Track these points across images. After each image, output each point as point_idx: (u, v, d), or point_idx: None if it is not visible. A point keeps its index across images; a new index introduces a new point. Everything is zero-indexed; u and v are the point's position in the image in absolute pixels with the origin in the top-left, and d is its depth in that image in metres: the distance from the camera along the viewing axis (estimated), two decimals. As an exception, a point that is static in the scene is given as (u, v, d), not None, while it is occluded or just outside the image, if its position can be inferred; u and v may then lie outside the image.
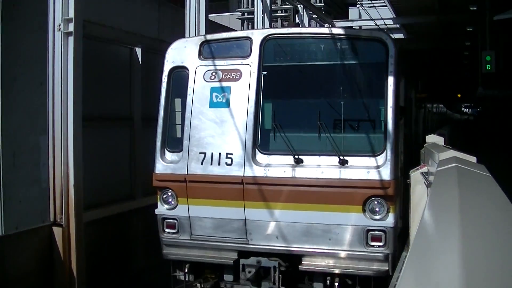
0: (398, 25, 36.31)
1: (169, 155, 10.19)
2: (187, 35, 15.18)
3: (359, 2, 36.01)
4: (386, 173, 8.94)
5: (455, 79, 57.27)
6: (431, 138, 12.36)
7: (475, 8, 28.07)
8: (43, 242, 10.31)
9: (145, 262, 13.38)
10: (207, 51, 10.20)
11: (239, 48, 10.02)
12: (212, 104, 9.90)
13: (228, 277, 9.81)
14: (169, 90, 10.40)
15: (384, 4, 32.12)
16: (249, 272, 9.39)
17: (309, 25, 26.39)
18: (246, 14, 57.42)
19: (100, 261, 11.77)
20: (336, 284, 9.13)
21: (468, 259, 1.92)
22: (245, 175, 9.45)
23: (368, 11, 31.00)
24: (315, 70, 10.06)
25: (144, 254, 13.32)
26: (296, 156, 9.34)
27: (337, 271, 9.21)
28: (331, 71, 9.98)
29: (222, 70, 9.91)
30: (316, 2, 52.84)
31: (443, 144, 11.62)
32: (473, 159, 6.59)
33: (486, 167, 5.44)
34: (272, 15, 24.45)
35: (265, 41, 9.85)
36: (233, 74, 9.85)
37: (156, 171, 10.12)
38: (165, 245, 10.19)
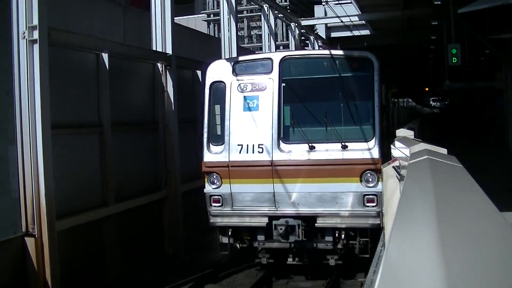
0: (363, 22, 36.50)
1: (213, 148, 13.44)
2: (154, 38, 15.15)
3: (324, 0, 36.14)
4: (375, 153, 12.53)
5: (422, 73, 57.74)
6: (401, 132, 12.48)
7: (439, 2, 28.28)
8: (15, 253, 10.19)
9: (121, 269, 13.30)
10: (239, 69, 13.64)
11: (263, 66, 13.55)
12: (246, 109, 13.35)
13: (261, 237, 13.17)
14: (211, 99, 13.64)
15: (349, 1, 32.25)
16: (280, 229, 12.70)
17: (275, 24, 27.47)
18: (212, 15, 57.22)
19: (75, 270, 11.66)
20: (342, 235, 12.72)
21: (447, 252, 1.91)
22: (273, 159, 12.95)
23: (333, 8, 31.08)
24: (320, 81, 13.75)
25: (119, 261, 13.24)
26: (310, 144, 12.85)
27: (343, 226, 12.75)
28: (332, 81, 13.42)
29: (251, 83, 13.40)
30: (281, 1, 52.89)
31: (413, 137, 11.72)
32: (444, 151, 6.63)
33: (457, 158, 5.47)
34: (238, 15, 24.44)
35: (283, 60, 13.40)
36: (260, 86, 13.37)
37: (205, 160, 13.41)
38: (212, 216, 13.47)
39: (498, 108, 41.67)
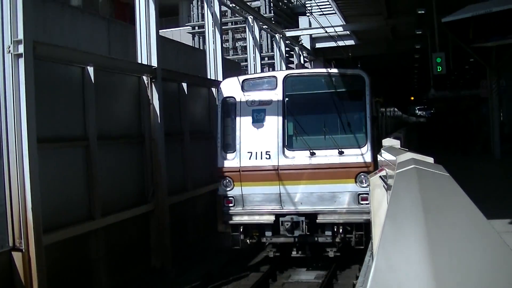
0: (348, 32, 36.66)
1: (226, 155, 15.29)
2: (139, 51, 15.15)
3: (308, 11, 36.29)
4: (368, 158, 14.36)
5: (407, 82, 58.03)
6: (387, 142, 12.53)
7: (423, 11, 28.48)
8: (3, 268, 10.12)
9: (108, 283, 13.23)
10: (247, 86, 15.53)
11: (269, 83, 15.45)
12: (254, 121, 15.23)
13: (268, 233, 15.01)
14: (223, 112, 15.60)
15: (333, 11, 32.41)
16: (287, 225, 14.55)
17: (260, 36, 28.25)
18: (196, 28, 57.21)
19: (62, 285, 11.58)
20: (340, 230, 14.52)
21: (436, 261, 1.92)
22: (279, 164, 14.86)
23: (318, 19, 31.23)
24: (319, 95, 15.65)
25: (106, 275, 13.16)
26: (311, 151, 14.71)
27: (341, 221, 14.53)
28: (329, 95, 15.33)
29: (259, 99, 15.30)
30: (266, 13, 52.99)
31: (399, 147, 11.75)
32: (431, 159, 6.66)
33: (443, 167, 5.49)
34: (223, 27, 24.44)
35: (286, 78, 15.34)
36: (266, 100, 15.23)
37: (219, 166, 15.27)
38: (225, 215, 15.26)
39: (483, 116, 41.87)
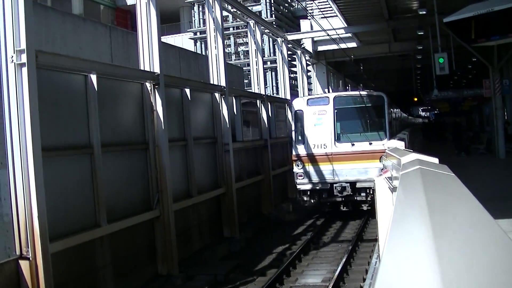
0: (350, 34, 36.61)
1: (297, 147, 23.72)
2: (141, 58, 15.16)
3: (310, 14, 36.28)
4: (386, 146, 17.47)
5: (410, 83, 57.87)
6: (392, 143, 12.51)
7: (424, 12, 28.45)
8: (10, 276, 10.13)
9: (115, 290, 13.23)
10: (310, 102, 24.00)
11: (324, 101, 23.79)
12: (315, 124, 23.50)
13: (325, 195, 23.28)
14: (296, 119, 24.02)
15: (334, 14, 32.38)
16: (338, 188, 22.72)
17: (262, 40, 31.56)
18: (198, 33, 57.30)
19: (69, 292, 11.59)
20: (371, 192, 21.20)
21: (443, 263, 1.92)
22: (332, 152, 23.06)
23: (319, 22, 31.20)
24: (355, 108, 23.81)
25: (112, 282, 13.16)
26: (352, 143, 22.85)
27: (371, 186, 20.12)
28: (361, 108, 23.67)
29: (318, 110, 23.54)
30: (267, 17, 52.99)
31: (404, 148, 11.73)
32: (435, 160, 6.64)
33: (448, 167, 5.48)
34: (225, 32, 24.40)
35: (334, 98, 23.67)
36: (323, 112, 23.44)
37: (294, 153, 23.84)
38: (298, 184, 23.59)
39: (487, 115, 41.78)
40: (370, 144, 22.50)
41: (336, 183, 22.79)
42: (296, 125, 24.04)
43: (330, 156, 23.04)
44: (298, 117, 23.86)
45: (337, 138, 23.22)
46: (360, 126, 23.77)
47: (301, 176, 23.40)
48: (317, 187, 23.27)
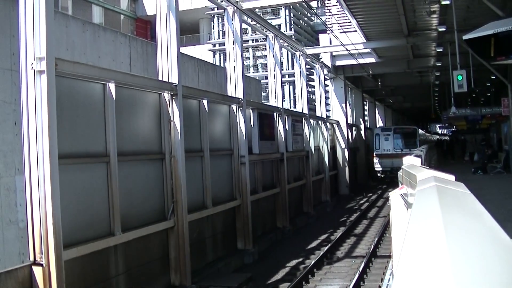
0: (369, 50, 36.59)
1: (375, 151, 47.97)
2: (160, 68, 15.22)
3: (329, 29, 36.30)
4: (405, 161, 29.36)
5: (428, 100, 57.82)
6: (408, 160, 12.45)
7: (444, 29, 28.40)
8: (24, 282, 10.15)
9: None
10: (382, 129, 51.20)
11: (388, 129, 50.17)
12: (384, 140, 48.29)
13: (388, 173, 47.79)
14: (373, 137, 49.24)
15: (354, 29, 32.38)
16: (391, 169, 45.57)
17: (281, 53, 29.35)
18: (217, 45, 57.59)
19: (81, 300, 11.60)
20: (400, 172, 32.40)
21: (460, 283, 1.89)
22: (391, 153, 46.40)
23: (338, 37, 31.21)
24: (403, 134, 49.27)
25: (126, 290, 13.17)
26: (400, 149, 45.23)
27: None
28: (406, 134, 49.57)
29: (385, 133, 48.70)
30: (286, 30, 53.12)
31: (420, 165, 11.67)
32: (452, 177, 6.60)
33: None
34: (243, 45, 24.47)
35: (394, 128, 50.63)
36: (388, 134, 48.51)
37: (374, 154, 47.98)
38: (376, 168, 48.54)
39: (505, 134, 41.59)
40: (410, 150, 36.62)
41: (393, 168, 42.43)
42: (376, 140, 47.76)
43: (391, 155, 45.06)
44: (375, 136, 48.09)
45: (395, 148, 46.32)
46: (404, 143, 46.66)
47: (377, 164, 47.30)
48: (382, 169, 47.23)
